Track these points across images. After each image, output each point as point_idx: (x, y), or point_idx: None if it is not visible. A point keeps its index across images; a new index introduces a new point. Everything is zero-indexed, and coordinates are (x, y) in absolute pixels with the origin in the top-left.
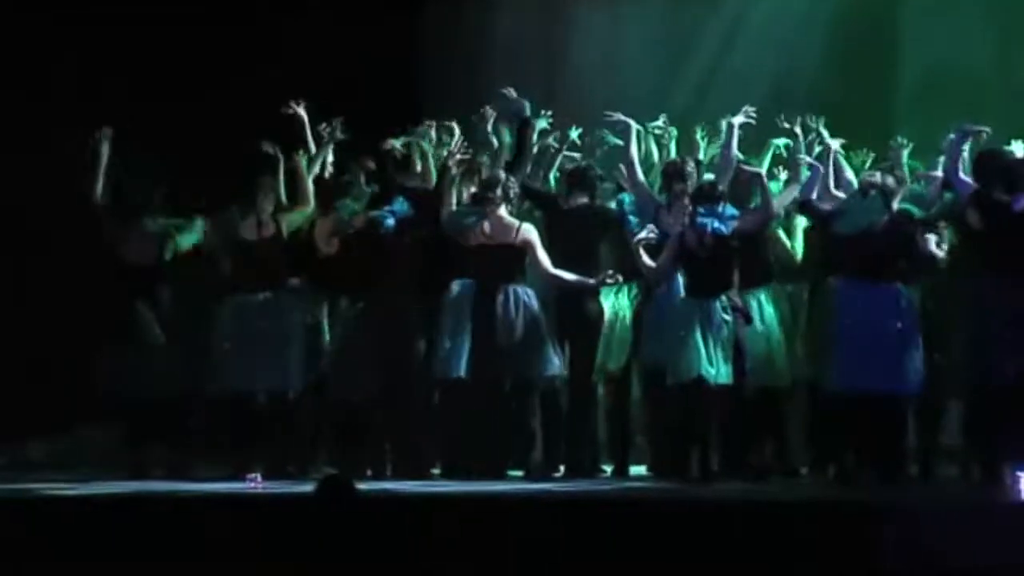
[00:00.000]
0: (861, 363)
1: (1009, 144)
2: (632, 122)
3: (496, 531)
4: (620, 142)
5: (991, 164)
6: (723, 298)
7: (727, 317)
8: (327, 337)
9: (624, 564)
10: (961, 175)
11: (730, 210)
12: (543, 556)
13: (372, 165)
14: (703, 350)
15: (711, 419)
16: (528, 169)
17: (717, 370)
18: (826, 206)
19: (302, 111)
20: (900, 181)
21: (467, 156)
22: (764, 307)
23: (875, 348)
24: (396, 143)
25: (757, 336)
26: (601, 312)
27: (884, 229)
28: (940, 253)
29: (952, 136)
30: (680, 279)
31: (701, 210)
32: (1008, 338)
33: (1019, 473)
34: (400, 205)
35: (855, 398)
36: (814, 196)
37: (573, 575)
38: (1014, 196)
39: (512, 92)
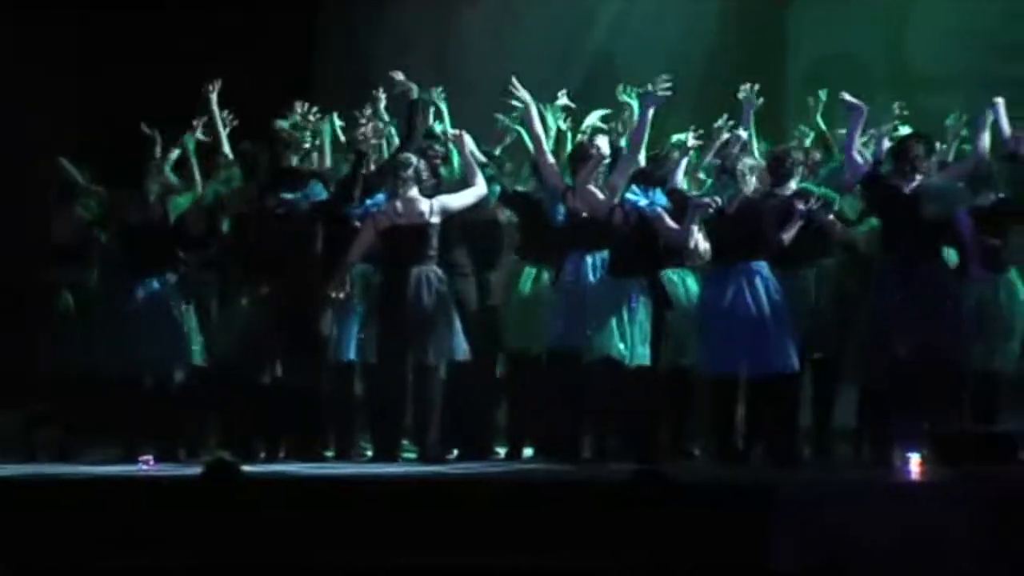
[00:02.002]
0: (725, 346)
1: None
2: (531, 100)
3: (388, 513)
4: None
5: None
6: (644, 279)
7: (645, 298)
8: (218, 319)
9: (516, 545)
10: (856, 155)
11: (660, 197)
12: (434, 538)
13: (251, 148)
14: (616, 330)
15: (620, 400)
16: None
17: (632, 351)
18: (685, 189)
19: (214, 94)
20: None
21: (380, 138)
22: (689, 286)
23: (736, 331)
24: (284, 124)
25: (681, 316)
26: (476, 293)
27: (736, 211)
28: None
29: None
30: (588, 261)
31: (635, 189)
32: (900, 320)
33: (910, 454)
34: (315, 188)
35: (751, 380)
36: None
37: (464, 556)
38: (905, 178)
39: (399, 75)
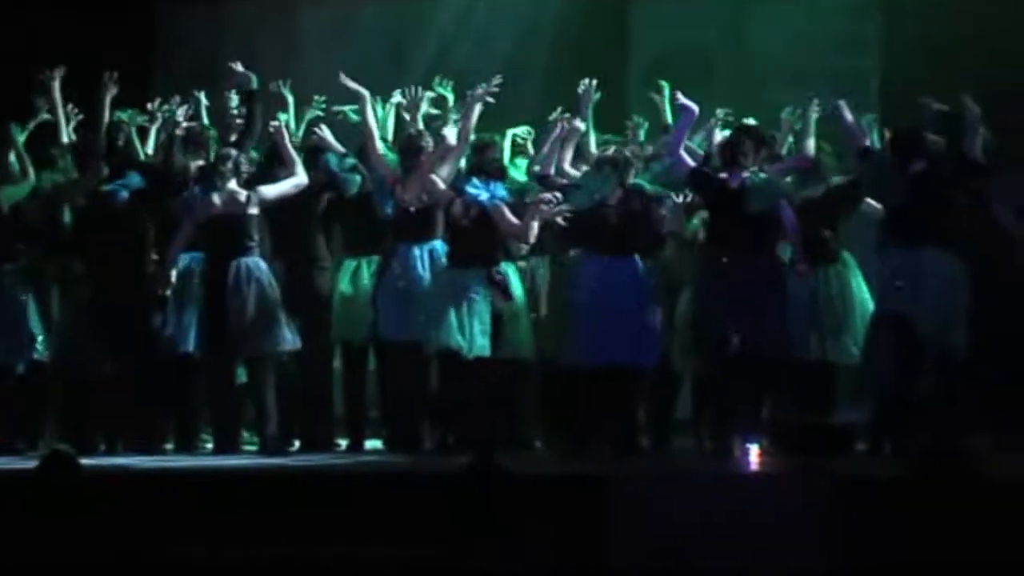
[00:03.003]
0: (597, 337)
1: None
2: (366, 92)
3: (228, 506)
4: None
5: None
6: (483, 272)
7: (485, 290)
8: (58, 312)
9: (356, 536)
10: (682, 153)
11: (500, 189)
12: (273, 530)
13: (83, 138)
14: (455, 322)
15: (459, 392)
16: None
17: (471, 343)
18: (562, 180)
19: (55, 81)
20: (637, 157)
21: (192, 126)
22: (511, 280)
23: (611, 322)
24: (123, 116)
25: (508, 308)
26: (331, 285)
27: (617, 203)
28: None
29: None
30: (416, 253)
31: (475, 182)
32: (734, 312)
33: (749, 445)
34: (133, 178)
35: (592, 371)
36: (552, 171)
37: (305, 548)
38: (731, 173)
39: (239, 66)
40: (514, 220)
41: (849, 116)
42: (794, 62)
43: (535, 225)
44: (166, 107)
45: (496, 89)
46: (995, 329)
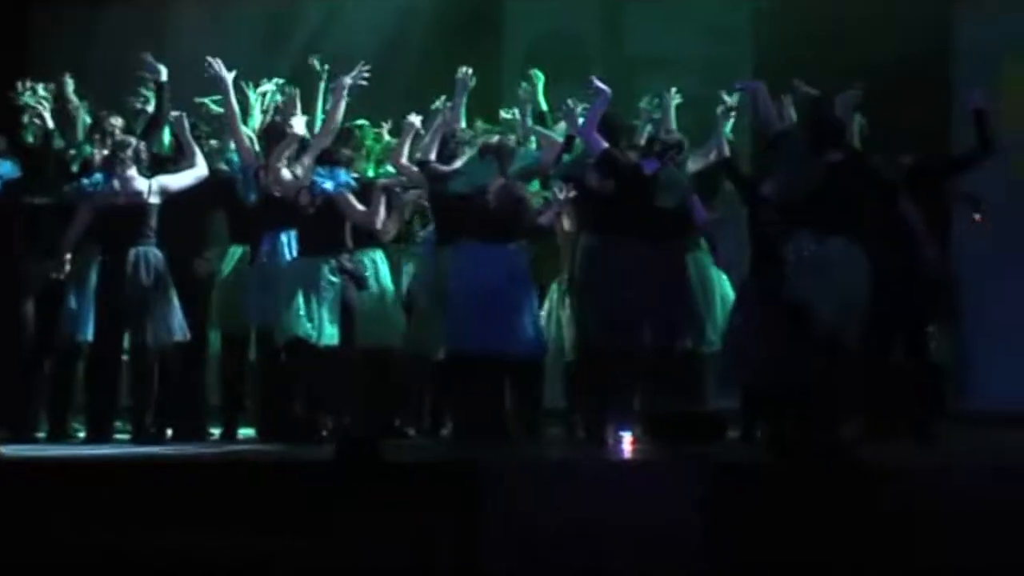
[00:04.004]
0: (473, 324)
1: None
2: (229, 77)
3: (101, 494)
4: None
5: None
6: (332, 260)
7: (334, 279)
8: None
9: (229, 524)
10: (595, 135)
11: (345, 176)
12: (145, 518)
13: None
14: (304, 311)
15: (316, 380)
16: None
17: (321, 331)
18: (444, 168)
19: None
20: (518, 144)
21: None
22: (379, 267)
23: (487, 309)
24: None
25: (371, 296)
26: (212, 274)
27: (497, 191)
28: (545, 219)
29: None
30: (283, 240)
31: (320, 170)
32: (616, 300)
33: (622, 433)
34: (5, 167)
35: (469, 359)
36: (432, 157)
37: (178, 536)
38: (644, 160)
39: (149, 56)
40: (359, 207)
41: (767, 100)
42: (667, 50)
43: (382, 211)
44: (30, 92)
45: (366, 76)
46: (885, 321)
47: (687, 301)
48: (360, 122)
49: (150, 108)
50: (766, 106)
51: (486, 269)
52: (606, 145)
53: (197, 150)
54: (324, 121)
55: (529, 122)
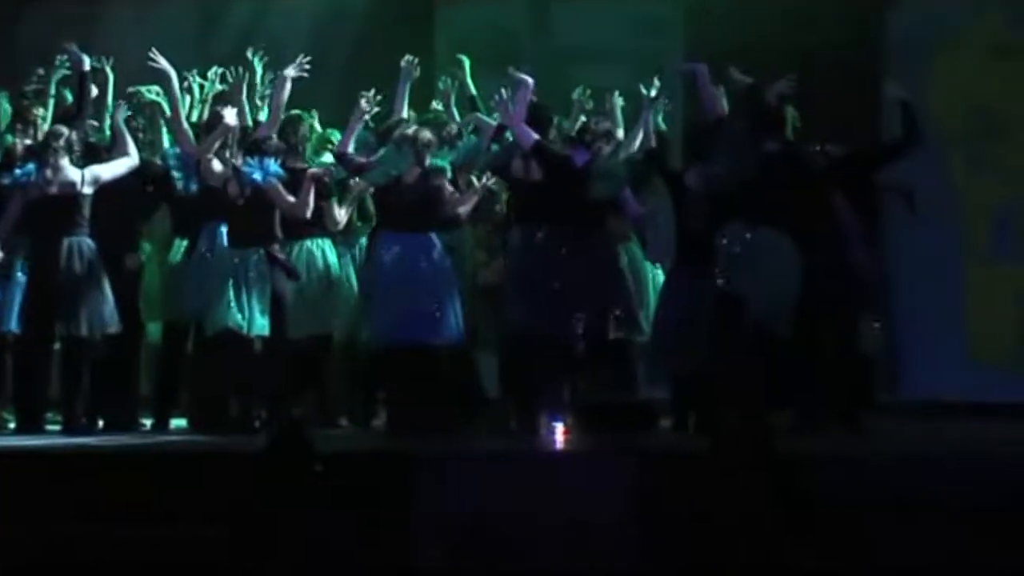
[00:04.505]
0: (397, 315)
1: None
2: (172, 71)
3: (33, 484)
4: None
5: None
6: (263, 251)
7: (264, 269)
8: None
9: (161, 514)
10: (524, 126)
11: (274, 166)
12: (77, 508)
13: None
14: (234, 302)
15: (247, 371)
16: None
17: (251, 322)
18: (361, 159)
19: None
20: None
21: None
22: (328, 256)
23: (407, 299)
24: None
25: (317, 286)
26: (141, 266)
27: (414, 181)
28: (464, 209)
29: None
30: (223, 231)
31: (249, 161)
32: (544, 290)
33: (555, 423)
34: None
35: (395, 349)
36: (351, 149)
37: (109, 526)
38: (575, 150)
39: (73, 46)
40: (289, 197)
41: (708, 84)
42: (597, 42)
43: (311, 200)
44: None
45: (307, 67)
46: (814, 312)
47: (620, 291)
48: (294, 112)
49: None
50: (707, 89)
51: (404, 259)
52: (536, 136)
53: (130, 140)
54: (269, 113)
55: (455, 113)
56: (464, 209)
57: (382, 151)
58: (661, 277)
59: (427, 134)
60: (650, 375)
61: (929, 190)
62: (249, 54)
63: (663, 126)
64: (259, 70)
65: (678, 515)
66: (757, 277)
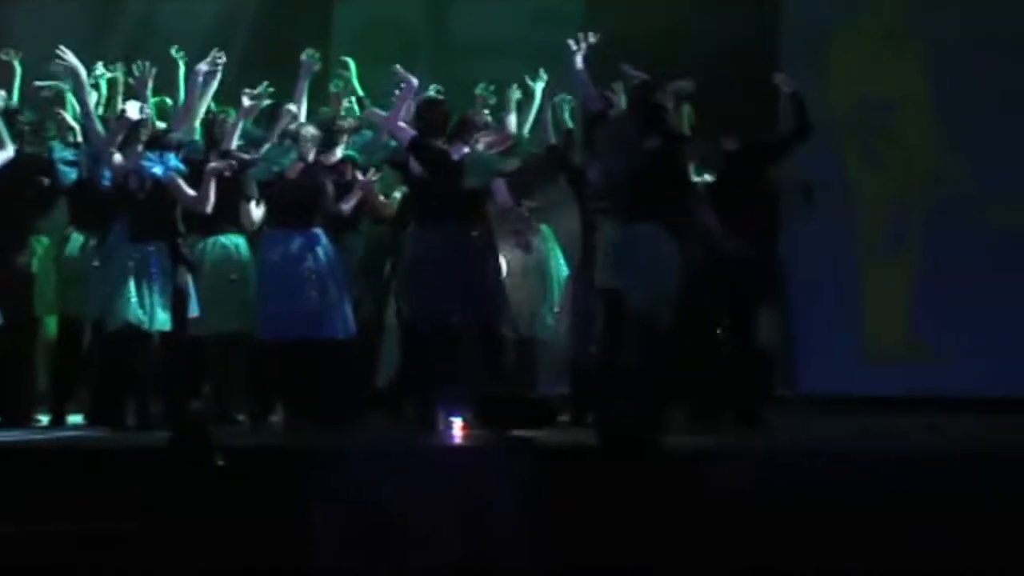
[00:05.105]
0: (284, 311)
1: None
2: (81, 67)
3: None
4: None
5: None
6: (164, 245)
7: (166, 264)
8: None
9: (60, 512)
10: (401, 123)
11: (174, 160)
12: None
13: None
14: (135, 297)
15: (147, 367)
16: None
17: (153, 317)
18: (245, 156)
19: None
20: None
21: None
22: (241, 251)
23: (296, 295)
24: None
25: (228, 282)
26: (29, 262)
27: (298, 176)
28: (346, 206)
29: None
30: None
31: (149, 155)
32: (437, 284)
33: (452, 418)
34: None
35: (285, 345)
36: (234, 144)
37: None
38: (453, 145)
39: None
40: (190, 191)
41: (586, 80)
42: (496, 36)
43: (211, 195)
44: None
45: (219, 62)
46: (694, 307)
47: (493, 284)
48: (216, 107)
49: None
50: (585, 87)
51: (290, 256)
52: (413, 133)
53: (5, 133)
54: (183, 108)
55: (344, 111)
56: (348, 205)
57: (265, 147)
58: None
59: (310, 129)
60: (552, 371)
61: (825, 183)
62: (173, 51)
63: (570, 123)
64: (181, 66)
65: (571, 510)
66: (636, 273)
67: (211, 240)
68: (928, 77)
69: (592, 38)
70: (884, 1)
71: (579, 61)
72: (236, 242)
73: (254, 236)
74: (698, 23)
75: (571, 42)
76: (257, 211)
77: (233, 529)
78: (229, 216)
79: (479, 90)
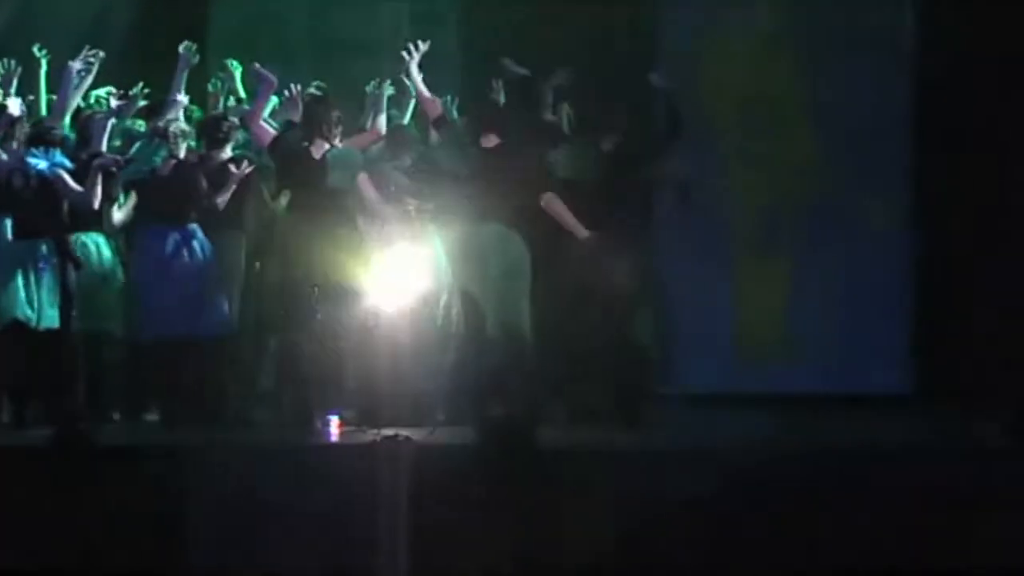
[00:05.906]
0: (161, 309)
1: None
2: None
3: None
4: None
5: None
6: (50, 241)
7: (52, 260)
8: None
9: None
10: (262, 123)
11: (59, 156)
12: None
13: None
14: (23, 293)
15: (31, 364)
16: None
17: (41, 314)
18: (118, 156)
19: None
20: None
21: None
22: (102, 250)
23: (173, 293)
24: None
25: (91, 280)
26: None
27: (169, 173)
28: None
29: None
30: (7, 224)
31: (34, 151)
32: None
33: (330, 416)
34: None
35: (161, 342)
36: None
37: None
38: (314, 144)
39: None
40: (76, 187)
41: (421, 85)
42: (374, 34)
43: (98, 191)
44: None
45: (91, 59)
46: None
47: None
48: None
49: None
50: (421, 93)
51: (164, 252)
52: (273, 132)
53: None
54: (54, 104)
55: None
56: (221, 200)
57: (136, 146)
58: None
59: (180, 125)
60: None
61: (700, 183)
62: (35, 50)
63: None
64: (44, 64)
65: (447, 507)
66: (484, 272)
67: (72, 238)
68: (803, 78)
69: (424, 46)
70: (759, 2)
71: (414, 68)
72: (97, 241)
73: (116, 236)
74: (576, 24)
75: (404, 53)
76: (119, 213)
77: (107, 529)
78: (91, 215)
79: (369, 88)
